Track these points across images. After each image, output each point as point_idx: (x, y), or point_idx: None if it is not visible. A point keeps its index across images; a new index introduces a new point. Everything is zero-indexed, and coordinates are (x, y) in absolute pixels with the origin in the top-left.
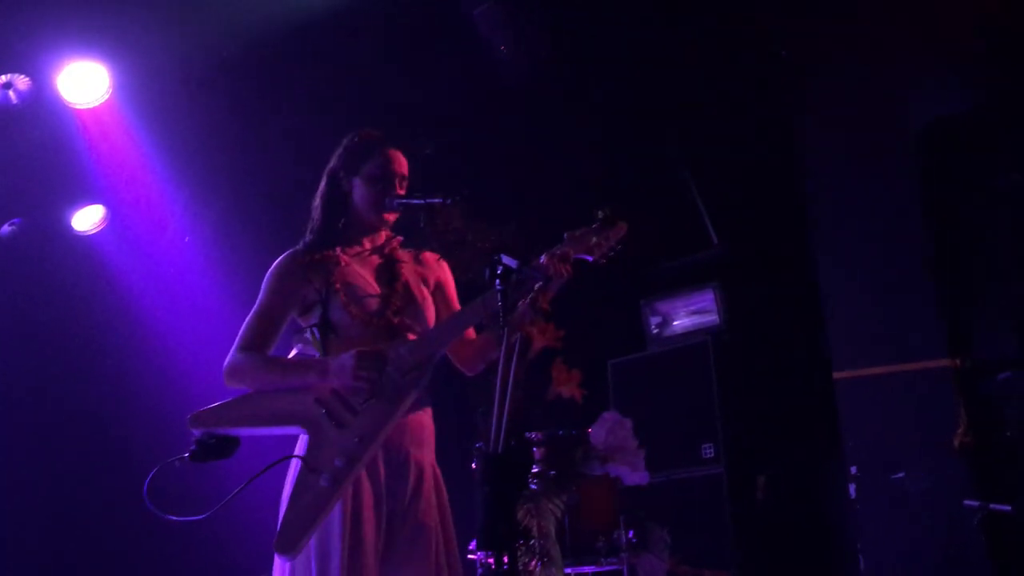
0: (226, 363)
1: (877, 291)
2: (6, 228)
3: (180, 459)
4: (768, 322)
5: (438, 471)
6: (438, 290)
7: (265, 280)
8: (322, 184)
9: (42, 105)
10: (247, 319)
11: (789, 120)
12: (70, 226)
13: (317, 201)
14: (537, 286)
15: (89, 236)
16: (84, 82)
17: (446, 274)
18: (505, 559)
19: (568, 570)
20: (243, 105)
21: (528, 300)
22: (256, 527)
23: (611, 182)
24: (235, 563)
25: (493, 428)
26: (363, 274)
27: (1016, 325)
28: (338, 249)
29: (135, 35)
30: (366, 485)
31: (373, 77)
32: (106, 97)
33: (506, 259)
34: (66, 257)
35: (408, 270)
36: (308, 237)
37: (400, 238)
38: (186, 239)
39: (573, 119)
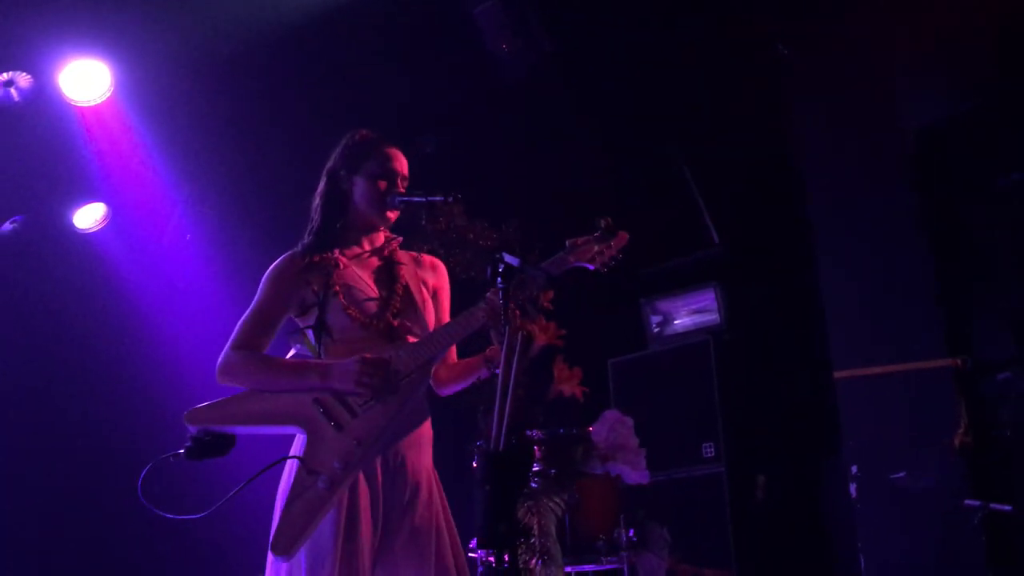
0: (219, 361)
1: (877, 291)
2: (7, 226)
3: (175, 455)
4: (769, 321)
5: (436, 475)
6: (433, 296)
7: (263, 280)
8: (321, 183)
9: (44, 103)
10: (242, 318)
11: (789, 120)
12: (71, 224)
13: (317, 201)
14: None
15: (90, 234)
16: (85, 80)
17: (443, 281)
18: (506, 557)
19: (568, 569)
20: (244, 103)
21: (529, 298)
22: (252, 527)
23: (612, 181)
24: (230, 562)
25: (494, 426)
26: (362, 276)
27: (1015, 325)
28: (337, 251)
29: (136, 33)
30: (363, 488)
31: (374, 76)
32: (107, 95)
33: (508, 257)
34: (67, 255)
35: (408, 272)
36: (307, 239)
37: (400, 239)
38: (187, 237)
39: (573, 118)
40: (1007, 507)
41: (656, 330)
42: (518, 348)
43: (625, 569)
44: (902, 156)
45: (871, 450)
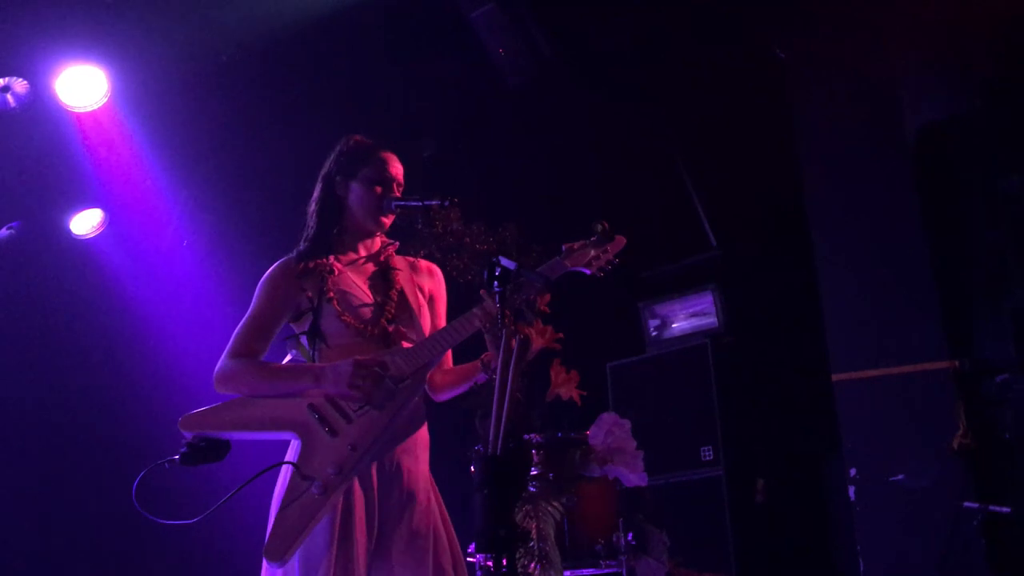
0: (217, 369)
1: (877, 292)
2: (4, 232)
3: (170, 461)
4: (767, 324)
5: (432, 481)
6: (429, 302)
7: (258, 288)
8: (317, 189)
9: (40, 109)
10: (239, 326)
11: (788, 121)
12: (69, 230)
13: (313, 207)
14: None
15: (87, 240)
16: (82, 85)
17: (439, 286)
18: (504, 562)
19: (567, 573)
20: (242, 108)
21: (526, 302)
22: (247, 533)
23: (609, 184)
24: (225, 568)
25: (492, 430)
26: (357, 282)
27: (1015, 327)
28: (332, 257)
29: (133, 38)
30: (358, 493)
31: (372, 80)
32: (104, 100)
33: (504, 261)
34: (64, 261)
35: (403, 278)
36: (302, 245)
37: (396, 244)
38: (184, 243)
39: (571, 121)
40: (1006, 509)
41: (654, 333)
42: (515, 352)
43: (624, 573)
44: (901, 157)
45: (870, 452)
